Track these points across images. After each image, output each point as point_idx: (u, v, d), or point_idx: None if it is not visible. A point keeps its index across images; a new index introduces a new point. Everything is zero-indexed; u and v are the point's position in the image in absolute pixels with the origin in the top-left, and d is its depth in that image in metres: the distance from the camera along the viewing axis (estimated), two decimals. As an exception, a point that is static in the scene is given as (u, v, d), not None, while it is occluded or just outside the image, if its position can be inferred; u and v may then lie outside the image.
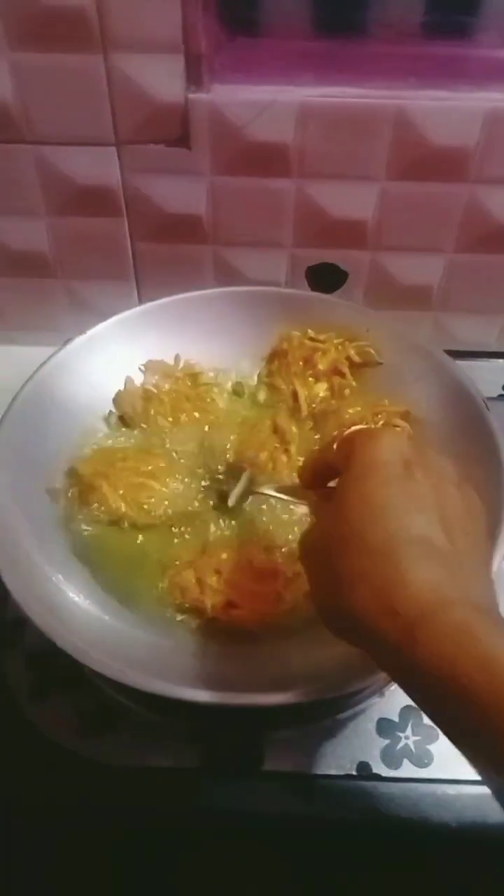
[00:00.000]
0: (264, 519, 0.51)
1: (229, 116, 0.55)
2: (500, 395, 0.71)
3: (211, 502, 0.52)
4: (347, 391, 0.58)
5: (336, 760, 0.49)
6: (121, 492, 0.50)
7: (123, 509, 0.50)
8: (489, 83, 0.54)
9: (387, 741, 0.50)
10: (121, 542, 0.50)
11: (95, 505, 0.50)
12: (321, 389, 0.58)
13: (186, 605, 0.47)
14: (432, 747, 0.49)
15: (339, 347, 0.58)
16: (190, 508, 0.52)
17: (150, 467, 0.52)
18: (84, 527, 0.50)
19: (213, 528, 0.51)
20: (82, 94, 0.53)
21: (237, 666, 0.44)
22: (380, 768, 0.49)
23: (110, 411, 0.56)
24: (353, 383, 0.58)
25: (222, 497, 0.51)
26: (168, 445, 0.55)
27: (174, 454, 0.55)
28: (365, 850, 0.52)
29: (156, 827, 0.50)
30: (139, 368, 0.58)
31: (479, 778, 0.31)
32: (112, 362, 0.57)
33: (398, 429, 0.54)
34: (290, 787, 0.48)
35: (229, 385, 0.60)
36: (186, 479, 0.53)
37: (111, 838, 0.52)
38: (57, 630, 0.41)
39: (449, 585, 0.30)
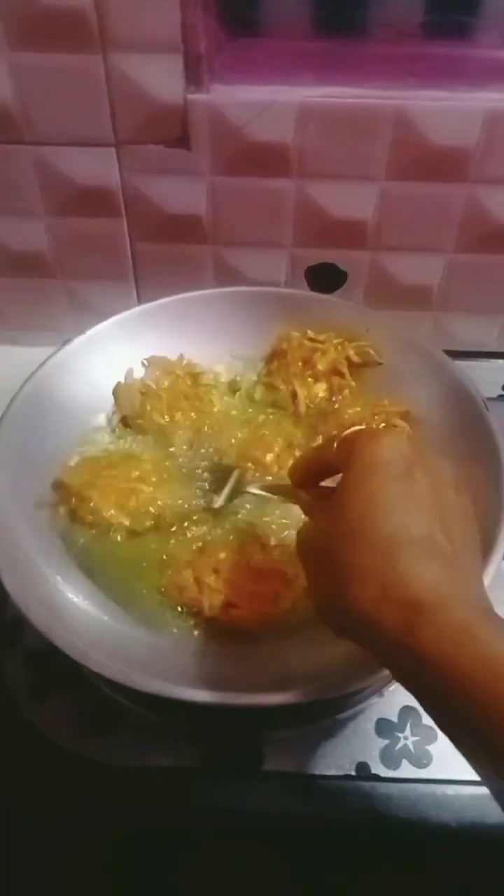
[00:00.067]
0: (265, 519, 0.51)
1: (229, 117, 0.55)
2: (500, 395, 0.71)
3: (203, 503, 0.52)
4: (347, 391, 0.58)
5: (335, 761, 0.49)
6: (112, 499, 0.50)
7: (117, 517, 0.50)
8: (489, 83, 0.54)
9: (386, 741, 0.50)
10: (118, 544, 0.50)
11: (90, 517, 0.50)
12: (320, 390, 0.58)
13: (185, 605, 0.47)
14: (431, 748, 0.49)
15: (339, 347, 0.58)
16: (187, 507, 0.51)
17: (137, 472, 0.52)
18: (80, 536, 0.50)
19: (210, 527, 0.51)
20: (82, 94, 0.53)
21: (236, 666, 0.44)
22: (379, 769, 0.49)
23: (111, 412, 0.56)
24: (353, 383, 0.58)
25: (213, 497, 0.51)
26: (165, 445, 0.55)
27: (170, 454, 0.54)
28: (364, 850, 0.51)
29: (156, 827, 0.50)
30: (142, 363, 0.58)
31: (478, 778, 0.31)
32: (111, 362, 0.57)
33: (398, 429, 0.54)
34: (289, 788, 0.48)
35: (228, 385, 0.59)
36: (183, 480, 0.53)
37: (111, 838, 0.52)
38: (56, 630, 0.41)
39: (449, 585, 0.31)
